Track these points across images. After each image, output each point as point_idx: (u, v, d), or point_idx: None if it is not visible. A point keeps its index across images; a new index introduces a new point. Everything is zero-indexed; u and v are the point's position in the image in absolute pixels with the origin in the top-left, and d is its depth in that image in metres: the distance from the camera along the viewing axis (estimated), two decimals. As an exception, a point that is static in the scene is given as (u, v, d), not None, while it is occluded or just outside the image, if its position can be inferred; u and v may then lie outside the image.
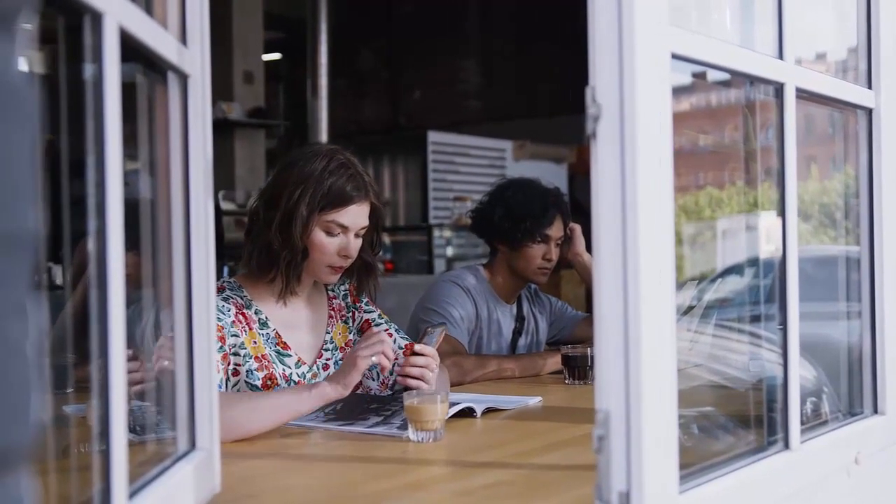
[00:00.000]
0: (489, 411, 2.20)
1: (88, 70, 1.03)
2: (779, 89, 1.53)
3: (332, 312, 2.39)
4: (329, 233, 2.21)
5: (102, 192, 1.01)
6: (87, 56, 1.02)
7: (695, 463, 1.34)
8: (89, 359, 1.07)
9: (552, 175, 6.88)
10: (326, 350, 2.34)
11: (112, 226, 1.02)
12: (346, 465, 1.75)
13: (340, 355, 2.35)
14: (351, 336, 2.40)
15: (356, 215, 2.23)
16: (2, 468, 0.53)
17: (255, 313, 2.23)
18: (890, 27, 1.81)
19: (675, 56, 1.25)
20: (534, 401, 2.36)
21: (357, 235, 2.25)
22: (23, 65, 0.56)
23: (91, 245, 1.02)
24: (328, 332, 2.36)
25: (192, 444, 1.38)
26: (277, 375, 2.20)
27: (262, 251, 2.21)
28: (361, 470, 1.71)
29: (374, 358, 1.98)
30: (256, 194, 2.34)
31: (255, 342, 2.19)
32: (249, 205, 2.36)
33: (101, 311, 1.01)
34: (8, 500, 0.54)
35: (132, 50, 1.12)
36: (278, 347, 2.23)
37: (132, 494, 1.09)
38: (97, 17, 1.00)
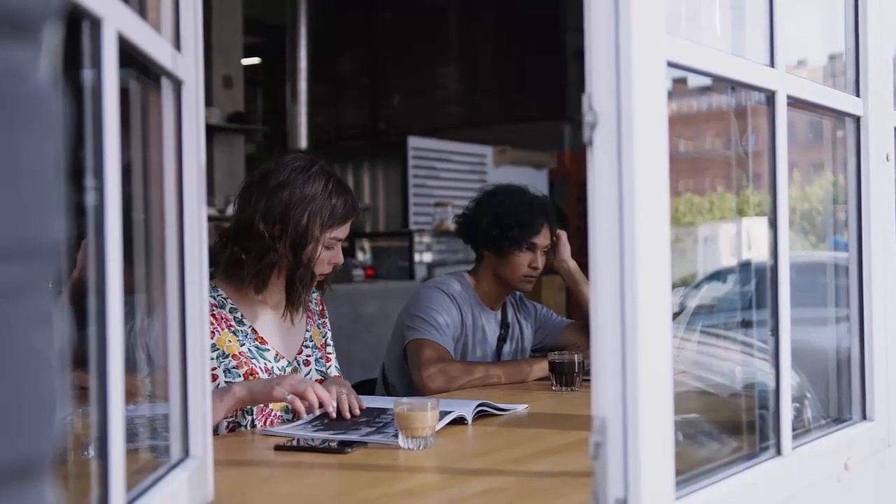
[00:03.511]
0: (481, 415, 2.20)
1: (86, 75, 1.02)
2: (770, 97, 1.53)
3: (310, 313, 2.49)
4: (328, 248, 2.32)
5: (101, 198, 1.00)
6: (86, 61, 1.01)
7: (689, 469, 1.35)
8: (77, 365, 1.06)
9: (532, 181, 6.88)
10: (307, 347, 2.43)
11: (110, 231, 1.01)
12: (338, 473, 1.74)
13: (319, 353, 2.45)
14: (323, 340, 2.50)
15: (349, 228, 2.37)
16: (28, 477, 0.53)
17: (230, 312, 2.29)
18: (878, 36, 1.83)
19: (670, 63, 1.26)
20: (521, 408, 2.37)
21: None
22: (47, 73, 0.56)
23: (89, 251, 1.02)
24: (308, 331, 2.45)
25: (186, 453, 1.37)
26: (258, 370, 2.26)
27: (269, 268, 2.28)
28: (353, 478, 1.71)
29: (289, 397, 2.03)
30: (240, 204, 2.33)
31: (229, 341, 2.25)
32: (235, 216, 2.36)
33: (98, 318, 1.00)
34: None
35: (127, 55, 1.12)
36: (257, 343, 2.30)
37: (129, 503, 1.08)
38: (96, 23, 0.99)
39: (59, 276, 0.59)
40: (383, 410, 2.19)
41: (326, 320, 2.54)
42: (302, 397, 2.05)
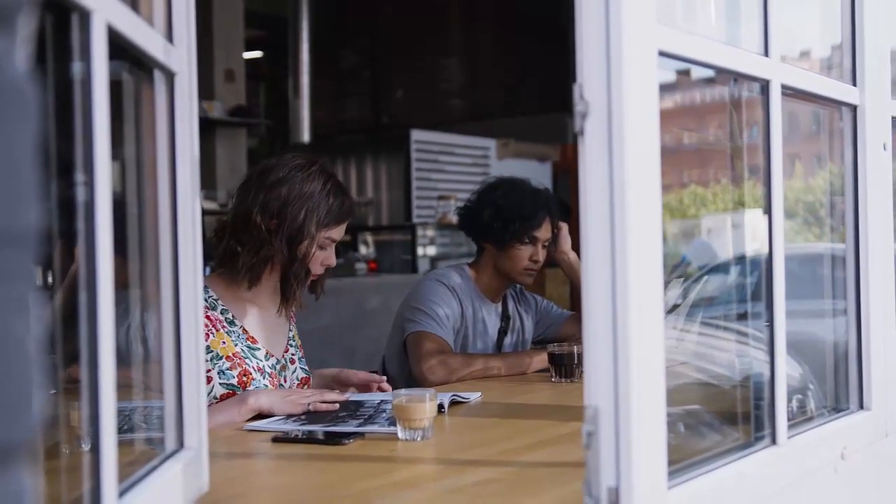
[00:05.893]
0: (453, 404, 2.25)
1: (76, 68, 1.02)
2: (764, 86, 1.53)
3: (292, 314, 2.52)
4: (321, 247, 2.34)
5: (91, 192, 1.01)
6: (75, 54, 1.01)
7: (683, 459, 1.35)
8: (73, 360, 1.06)
9: (536, 174, 6.88)
10: (291, 345, 2.47)
11: (101, 226, 1.01)
12: (335, 464, 1.75)
13: (301, 353, 2.50)
14: (300, 340, 2.55)
15: (344, 230, 2.40)
16: (4, 463, 0.53)
17: (221, 313, 2.32)
18: (874, 24, 1.83)
19: (662, 53, 1.26)
20: (474, 396, 2.40)
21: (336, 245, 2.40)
22: (23, 62, 0.56)
23: (80, 246, 1.02)
24: (291, 331, 2.49)
25: (181, 444, 1.37)
26: (251, 370, 2.29)
27: (263, 262, 2.30)
28: (350, 469, 1.71)
29: (310, 407, 2.15)
30: (238, 198, 2.35)
31: (223, 342, 2.28)
32: (233, 210, 2.37)
33: (90, 312, 1.01)
34: (10, 494, 0.54)
35: (118, 48, 1.12)
36: (248, 342, 2.33)
37: (121, 493, 1.09)
38: (85, 15, 0.99)
39: (37, 263, 0.59)
40: (360, 403, 2.21)
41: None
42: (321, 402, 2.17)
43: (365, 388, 2.44)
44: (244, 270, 2.28)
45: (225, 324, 2.30)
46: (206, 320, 2.23)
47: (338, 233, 2.36)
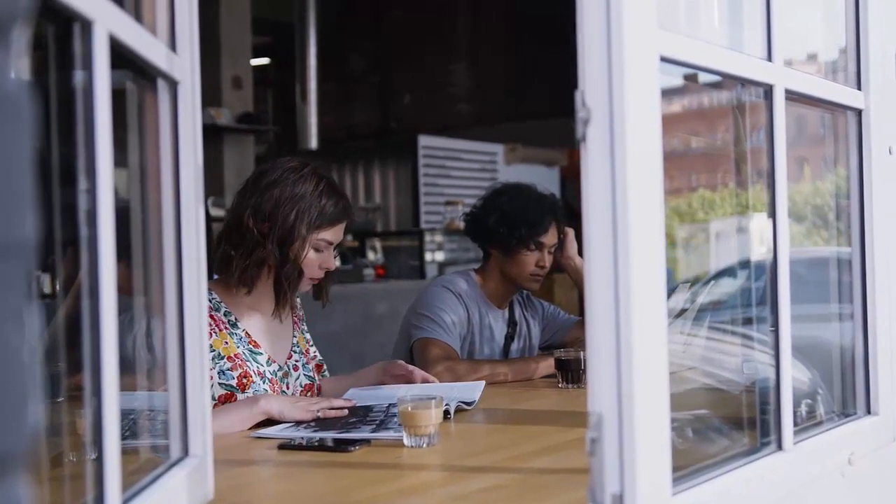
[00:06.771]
0: (459, 410, 2.24)
1: (78, 77, 1.02)
2: (768, 91, 1.53)
3: (296, 319, 2.52)
4: (317, 249, 2.34)
5: (93, 200, 1.01)
6: (77, 63, 1.02)
7: (688, 465, 1.34)
8: (80, 368, 1.07)
9: (544, 179, 6.88)
10: (295, 352, 2.47)
11: (103, 234, 1.01)
12: (341, 471, 1.74)
13: (305, 359, 2.49)
14: (307, 344, 2.54)
15: (341, 232, 2.38)
16: (0, 473, 0.54)
17: (225, 315, 2.32)
18: (879, 28, 1.82)
19: (663, 59, 1.26)
20: (479, 387, 2.42)
21: (335, 249, 2.39)
22: (18, 72, 0.56)
23: (82, 254, 1.02)
24: (294, 337, 2.49)
25: (185, 451, 1.37)
26: (252, 372, 2.29)
27: (256, 265, 2.30)
28: (355, 476, 1.71)
29: (319, 414, 2.14)
30: (234, 203, 2.37)
31: (226, 343, 2.29)
32: (230, 214, 2.40)
33: (92, 320, 1.01)
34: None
35: (121, 57, 1.12)
36: (250, 346, 2.33)
37: (125, 501, 1.09)
38: (87, 25, 1.00)
39: (44, 271, 0.60)
40: (369, 409, 2.21)
41: (305, 325, 2.58)
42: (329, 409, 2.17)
43: (407, 379, 2.48)
44: (237, 273, 2.28)
45: (228, 325, 2.30)
46: (209, 320, 2.24)
47: (332, 235, 2.35)
